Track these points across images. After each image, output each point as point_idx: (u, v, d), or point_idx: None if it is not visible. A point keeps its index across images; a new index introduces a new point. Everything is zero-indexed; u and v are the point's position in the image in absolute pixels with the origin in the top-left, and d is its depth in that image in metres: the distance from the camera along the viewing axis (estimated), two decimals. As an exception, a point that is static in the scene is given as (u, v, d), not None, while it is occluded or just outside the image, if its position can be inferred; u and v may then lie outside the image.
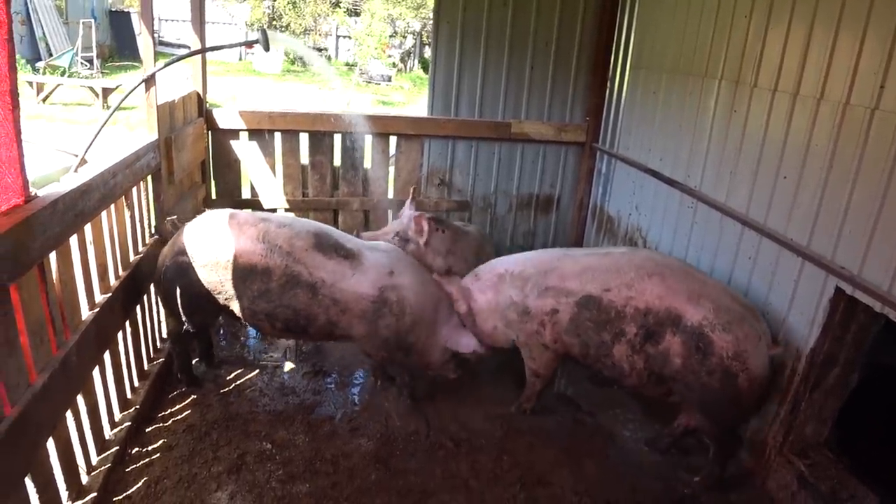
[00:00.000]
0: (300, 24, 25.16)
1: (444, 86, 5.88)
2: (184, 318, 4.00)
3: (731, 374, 3.39)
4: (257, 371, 4.53)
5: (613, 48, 5.82)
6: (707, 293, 3.53)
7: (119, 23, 25.09)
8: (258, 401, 4.21)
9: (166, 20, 26.23)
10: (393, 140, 5.93)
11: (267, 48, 4.35)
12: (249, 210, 4.92)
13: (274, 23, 25.01)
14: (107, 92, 14.60)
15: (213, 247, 3.80)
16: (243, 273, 3.80)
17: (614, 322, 3.62)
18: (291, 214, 5.44)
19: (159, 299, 4.21)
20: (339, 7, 25.18)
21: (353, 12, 25.56)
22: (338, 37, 28.14)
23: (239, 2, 25.44)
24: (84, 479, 3.19)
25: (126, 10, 25.49)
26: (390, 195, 6.07)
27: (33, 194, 2.66)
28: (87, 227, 3.20)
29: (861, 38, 3.20)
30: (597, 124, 6.03)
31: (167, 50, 23.57)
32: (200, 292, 3.85)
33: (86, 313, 3.21)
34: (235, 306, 3.91)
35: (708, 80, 4.41)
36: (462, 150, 6.03)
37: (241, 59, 25.48)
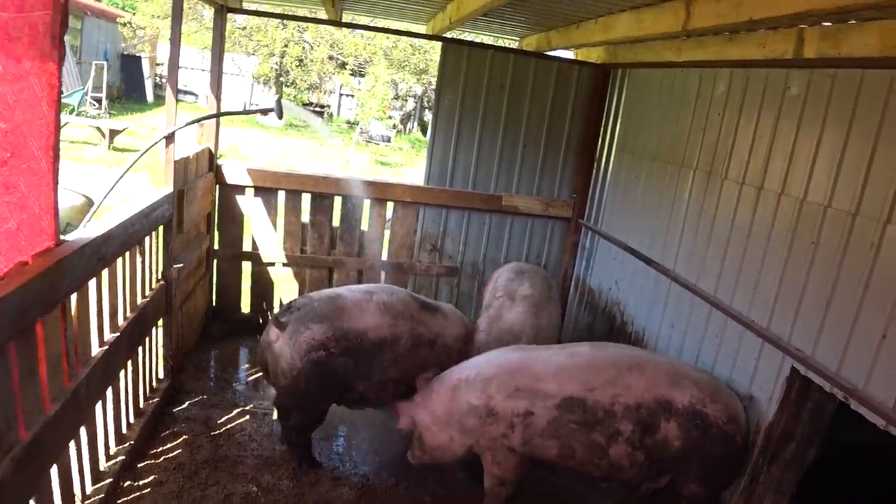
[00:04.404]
0: (305, 81, 25.77)
1: (441, 157, 6.24)
2: (311, 410, 4.19)
3: (729, 437, 3.62)
4: (248, 417, 4.72)
5: (601, 133, 6.23)
6: (681, 372, 3.75)
7: (129, 66, 25.86)
8: (247, 445, 4.39)
9: (174, 68, 26.81)
10: (390, 205, 6.26)
11: (280, 117, 4.72)
12: (343, 287, 4.68)
13: (280, 78, 25.60)
14: (113, 133, 14.96)
15: (344, 333, 4.05)
16: (376, 347, 4.14)
17: (605, 422, 3.57)
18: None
19: (288, 398, 4.16)
20: (345, 68, 25.85)
21: (358, 73, 26.21)
22: (341, 95, 28.83)
23: (247, 55, 26.12)
24: (79, 507, 3.36)
25: (138, 54, 26.19)
26: (384, 257, 6.36)
27: (61, 239, 2.94)
28: (105, 271, 3.46)
29: (818, 140, 3.57)
30: (583, 201, 6.40)
31: (173, 97, 24.06)
32: (336, 381, 4.06)
33: (96, 349, 3.44)
34: (363, 384, 4.19)
35: (684, 169, 4.78)
36: (454, 219, 6.36)
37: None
